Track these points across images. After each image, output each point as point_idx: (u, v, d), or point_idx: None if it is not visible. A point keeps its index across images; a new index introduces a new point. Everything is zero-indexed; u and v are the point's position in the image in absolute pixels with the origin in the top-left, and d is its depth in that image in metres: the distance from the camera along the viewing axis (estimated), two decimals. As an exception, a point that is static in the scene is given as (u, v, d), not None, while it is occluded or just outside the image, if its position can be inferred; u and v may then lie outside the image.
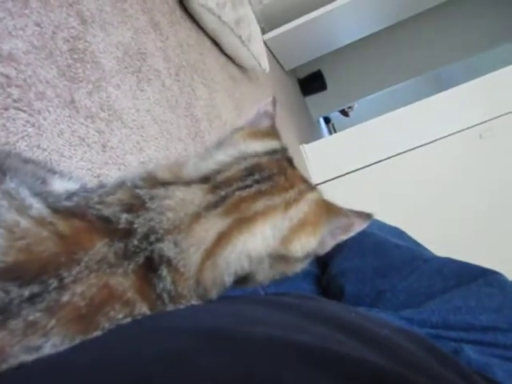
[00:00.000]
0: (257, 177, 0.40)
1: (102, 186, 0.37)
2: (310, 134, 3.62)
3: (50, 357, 0.25)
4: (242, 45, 1.61)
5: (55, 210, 0.31)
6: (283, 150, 0.46)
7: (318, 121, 4.72)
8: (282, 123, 2.45)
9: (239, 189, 0.38)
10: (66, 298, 0.27)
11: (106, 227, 0.32)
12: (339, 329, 0.28)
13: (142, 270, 0.32)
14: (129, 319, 0.30)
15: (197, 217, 0.35)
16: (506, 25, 3.84)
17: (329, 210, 0.44)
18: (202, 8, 1.36)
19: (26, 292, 0.26)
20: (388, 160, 2.51)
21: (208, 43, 1.52)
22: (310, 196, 0.43)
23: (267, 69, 1.88)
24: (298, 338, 0.25)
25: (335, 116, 5.06)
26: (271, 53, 3.02)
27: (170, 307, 0.33)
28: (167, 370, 0.21)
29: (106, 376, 0.21)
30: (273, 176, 0.41)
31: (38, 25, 0.65)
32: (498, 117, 2.33)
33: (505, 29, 3.85)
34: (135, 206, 0.34)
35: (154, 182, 0.37)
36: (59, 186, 0.37)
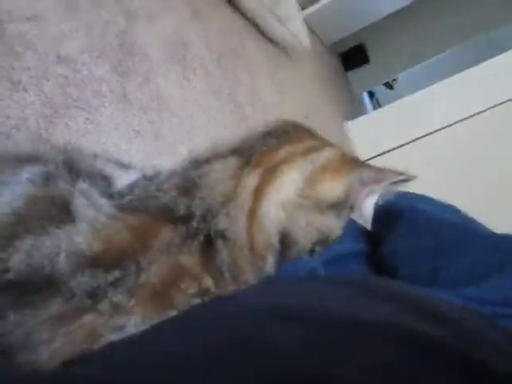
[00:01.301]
0: (274, 134, 0.44)
1: (158, 174, 0.40)
2: (354, 109, 3.55)
3: (134, 338, 0.28)
4: (282, 25, 1.60)
5: (122, 208, 0.34)
6: (297, 123, 0.49)
7: (362, 95, 4.60)
8: (324, 101, 2.42)
9: (261, 146, 0.42)
10: (143, 279, 0.30)
11: (168, 216, 0.35)
12: (403, 305, 0.29)
13: (203, 248, 0.34)
14: (197, 297, 0.32)
15: (236, 179, 0.38)
16: None
17: (353, 160, 0.45)
18: (241, -9, 1.35)
19: (110, 277, 0.29)
20: (437, 133, 2.42)
21: (248, 27, 1.51)
22: (331, 148, 0.45)
23: (308, 47, 1.86)
24: (364, 313, 0.26)
25: (379, 90, 4.90)
26: (311, 29, 2.96)
27: (231, 283, 0.36)
28: (236, 350, 0.22)
29: (183, 359, 0.23)
30: (289, 131, 0.45)
31: (89, 24, 0.68)
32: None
33: None
34: (189, 187, 0.37)
35: (198, 162, 0.41)
36: (124, 180, 0.39)
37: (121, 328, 0.28)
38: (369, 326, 0.24)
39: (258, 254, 0.38)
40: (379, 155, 2.44)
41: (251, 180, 0.39)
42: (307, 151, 0.42)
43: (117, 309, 0.28)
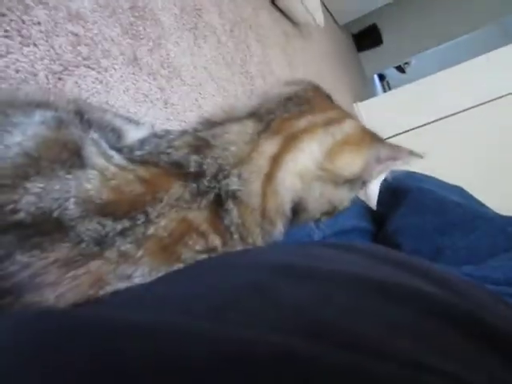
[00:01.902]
0: (295, 101, 0.43)
1: (168, 132, 0.40)
2: (364, 91, 3.50)
3: (143, 286, 0.28)
4: (297, -2, 1.56)
5: (132, 160, 0.34)
6: (318, 86, 0.49)
7: (372, 78, 4.54)
8: (335, 80, 2.39)
9: (281, 112, 0.41)
10: (151, 231, 0.30)
11: (179, 172, 0.35)
12: (409, 270, 0.29)
13: (213, 206, 0.35)
14: (204, 253, 0.33)
15: (252, 144, 0.38)
16: None
17: (372, 136, 0.45)
18: (256, -40, 1.32)
19: (119, 226, 0.29)
20: (446, 119, 2.39)
21: (261, -3, 1.48)
22: (351, 121, 0.45)
23: (322, 24, 1.82)
24: (372, 274, 0.26)
25: (390, 73, 4.83)
26: (324, 6, 2.90)
27: (239, 244, 0.36)
28: (252, 298, 0.22)
29: (198, 303, 0.23)
30: (310, 99, 0.44)
31: (101, -17, 0.67)
32: None
33: None
34: (201, 146, 0.37)
35: (211, 123, 0.40)
36: (134, 134, 0.39)
37: (127, 277, 0.28)
38: (379, 285, 0.24)
39: (268, 219, 0.38)
40: (388, 138, 2.41)
41: (269, 146, 0.39)
42: (328, 122, 0.42)
43: (124, 258, 0.29)
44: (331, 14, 3.11)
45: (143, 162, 0.34)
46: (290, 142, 0.39)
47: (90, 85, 0.57)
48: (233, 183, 0.36)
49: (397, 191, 0.81)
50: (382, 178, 0.97)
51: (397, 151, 0.45)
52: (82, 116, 0.35)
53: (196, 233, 0.33)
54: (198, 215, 0.33)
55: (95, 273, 0.27)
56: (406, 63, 4.51)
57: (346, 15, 3.30)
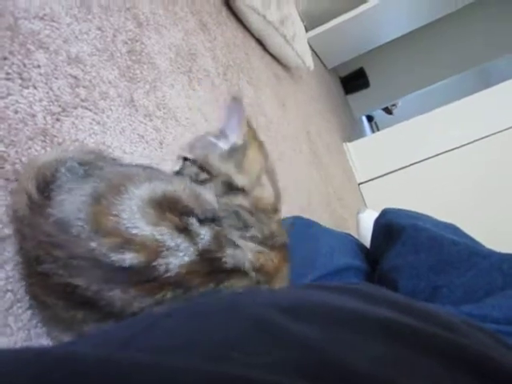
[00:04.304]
0: None
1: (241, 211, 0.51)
2: (353, 132, 3.58)
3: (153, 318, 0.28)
4: (287, 44, 1.62)
5: (263, 245, 0.47)
6: None
7: (361, 119, 4.65)
8: (325, 122, 2.44)
9: None
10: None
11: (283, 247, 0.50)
12: (408, 313, 0.29)
13: None
14: None
15: None
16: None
17: None
18: (248, 8, 1.38)
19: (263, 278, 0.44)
20: (433, 158, 2.44)
21: (253, 43, 1.53)
22: None
23: (311, 67, 1.88)
24: (374, 314, 0.26)
25: (378, 114, 4.96)
26: (313, 51, 3.01)
27: None
28: (257, 336, 0.22)
29: (204, 342, 0.22)
30: None
31: (100, 29, 0.69)
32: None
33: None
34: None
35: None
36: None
37: None
38: (383, 326, 0.24)
39: None
40: (377, 177, 2.45)
41: None
42: None
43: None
44: (320, 59, 3.22)
45: (271, 247, 0.47)
46: None
47: (87, 125, 0.58)
48: None
49: (391, 229, 0.81)
50: (374, 216, 0.98)
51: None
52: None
53: None
54: None
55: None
56: (393, 105, 4.64)
57: (334, 59, 3.42)
